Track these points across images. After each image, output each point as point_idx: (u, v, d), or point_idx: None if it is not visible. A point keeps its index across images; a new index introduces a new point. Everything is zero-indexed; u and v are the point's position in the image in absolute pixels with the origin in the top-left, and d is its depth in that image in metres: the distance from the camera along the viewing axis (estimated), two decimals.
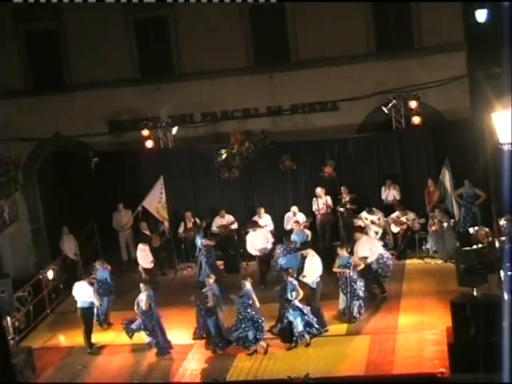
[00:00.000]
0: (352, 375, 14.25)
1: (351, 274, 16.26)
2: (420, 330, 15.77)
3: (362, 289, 16.42)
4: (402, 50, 21.84)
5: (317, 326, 15.66)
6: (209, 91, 22.38)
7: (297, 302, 15.52)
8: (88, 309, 17.02)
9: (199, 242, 19.45)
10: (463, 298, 14.50)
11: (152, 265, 19.36)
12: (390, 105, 21.02)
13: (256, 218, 20.77)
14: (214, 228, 20.95)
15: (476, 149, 19.58)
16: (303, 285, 16.03)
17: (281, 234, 20.88)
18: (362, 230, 18.10)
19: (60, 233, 21.03)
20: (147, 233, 20.82)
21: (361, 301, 16.41)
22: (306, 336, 15.55)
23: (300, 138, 21.72)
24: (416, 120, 20.98)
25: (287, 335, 15.63)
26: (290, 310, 15.48)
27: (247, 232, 19.56)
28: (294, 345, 15.46)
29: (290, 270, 16.02)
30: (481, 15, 22.50)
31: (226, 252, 20.53)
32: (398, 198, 20.65)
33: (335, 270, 16.56)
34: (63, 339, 17.65)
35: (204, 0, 21.63)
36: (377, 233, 19.32)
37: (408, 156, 21.06)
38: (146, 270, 19.18)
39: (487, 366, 12.78)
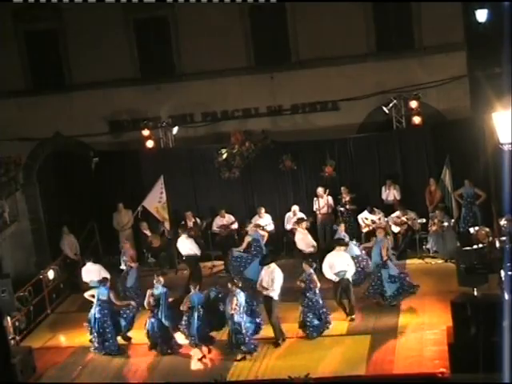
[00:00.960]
0: (352, 375, 14.23)
1: (308, 288, 15.85)
2: (420, 329, 15.77)
3: (313, 304, 15.87)
4: (402, 49, 21.82)
5: (250, 345, 15.36)
6: (209, 91, 22.37)
7: (235, 315, 15.24)
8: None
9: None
10: (464, 297, 14.50)
11: (200, 251, 19.34)
12: (391, 105, 21.02)
13: (256, 217, 20.80)
14: (215, 228, 20.98)
15: (476, 149, 19.58)
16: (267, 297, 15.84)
17: (281, 234, 20.98)
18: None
19: (60, 233, 21.01)
20: (147, 233, 20.84)
21: (313, 317, 15.85)
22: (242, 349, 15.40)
23: (300, 137, 21.71)
24: (416, 120, 20.98)
25: (229, 344, 15.55)
26: (229, 322, 15.37)
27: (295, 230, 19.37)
28: (239, 358, 15.38)
29: (236, 280, 15.82)
30: (481, 15, 22.53)
31: (226, 252, 20.49)
32: (398, 197, 20.65)
33: (298, 282, 16.01)
34: (64, 339, 17.63)
35: (204, 0, 21.64)
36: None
37: (408, 156, 21.06)
38: (193, 259, 19.12)
39: (487, 365, 12.77)
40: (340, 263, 16.57)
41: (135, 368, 15.75)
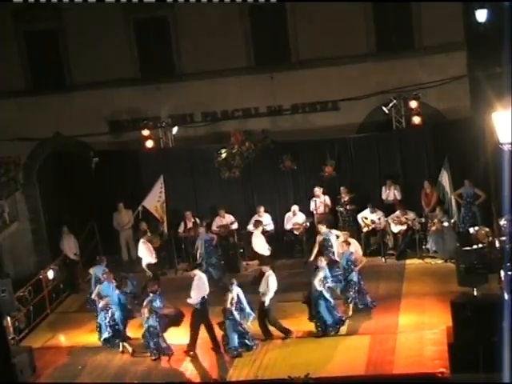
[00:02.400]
0: (352, 375, 14.24)
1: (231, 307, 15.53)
2: (420, 329, 15.78)
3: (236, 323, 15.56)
4: (403, 50, 21.82)
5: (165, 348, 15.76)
6: (209, 91, 22.37)
7: (150, 318, 15.59)
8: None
9: None
10: (463, 297, 14.51)
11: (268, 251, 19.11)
12: (391, 105, 21.02)
13: (256, 216, 20.79)
14: (214, 228, 20.95)
15: (476, 148, 19.56)
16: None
17: (281, 234, 20.97)
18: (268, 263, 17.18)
19: (60, 233, 21.01)
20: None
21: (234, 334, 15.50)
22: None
23: (300, 137, 21.71)
24: (416, 120, 20.98)
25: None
26: (145, 325, 15.79)
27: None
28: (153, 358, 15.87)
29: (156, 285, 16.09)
30: (481, 15, 22.52)
31: (225, 252, 20.49)
32: (398, 197, 20.64)
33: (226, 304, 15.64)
34: (63, 339, 17.65)
35: (204, 0, 21.64)
36: (338, 237, 18.32)
37: (408, 156, 21.05)
38: (261, 256, 18.98)
39: (487, 365, 12.80)
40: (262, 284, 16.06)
41: (135, 368, 15.75)
